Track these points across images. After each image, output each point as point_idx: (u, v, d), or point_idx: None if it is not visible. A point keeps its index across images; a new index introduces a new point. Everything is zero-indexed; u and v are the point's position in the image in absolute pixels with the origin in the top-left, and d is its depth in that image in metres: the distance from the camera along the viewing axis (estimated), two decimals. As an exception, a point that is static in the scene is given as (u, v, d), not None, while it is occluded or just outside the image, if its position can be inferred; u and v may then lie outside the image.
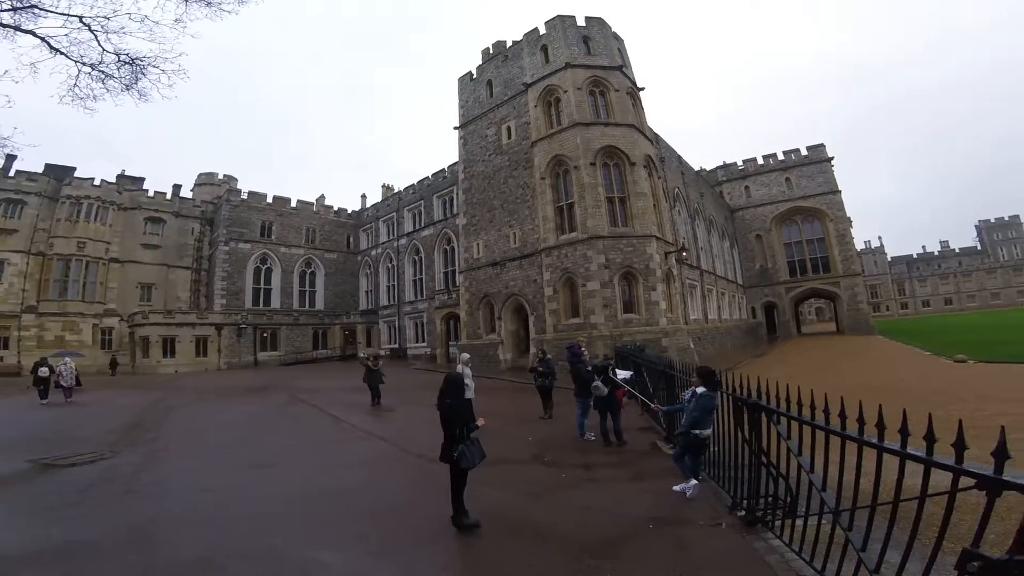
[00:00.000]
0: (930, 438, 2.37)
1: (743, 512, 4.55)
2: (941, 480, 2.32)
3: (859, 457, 2.98)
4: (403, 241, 40.24)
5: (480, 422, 5.03)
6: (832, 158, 42.87)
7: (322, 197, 46.99)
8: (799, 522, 3.90)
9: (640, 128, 22.65)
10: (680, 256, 23.51)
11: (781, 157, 44.58)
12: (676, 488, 5.43)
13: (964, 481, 2.15)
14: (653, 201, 22.03)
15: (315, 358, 38.85)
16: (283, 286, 41.52)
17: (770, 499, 4.36)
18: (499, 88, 26.12)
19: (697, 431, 5.25)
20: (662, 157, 27.31)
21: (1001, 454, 2.01)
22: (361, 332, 42.06)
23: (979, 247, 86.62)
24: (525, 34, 24.80)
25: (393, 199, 42.63)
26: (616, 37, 24.08)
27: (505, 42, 26.71)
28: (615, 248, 20.27)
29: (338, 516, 5.36)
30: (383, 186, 46.45)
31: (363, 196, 48.09)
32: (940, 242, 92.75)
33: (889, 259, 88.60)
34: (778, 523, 4.19)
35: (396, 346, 39.54)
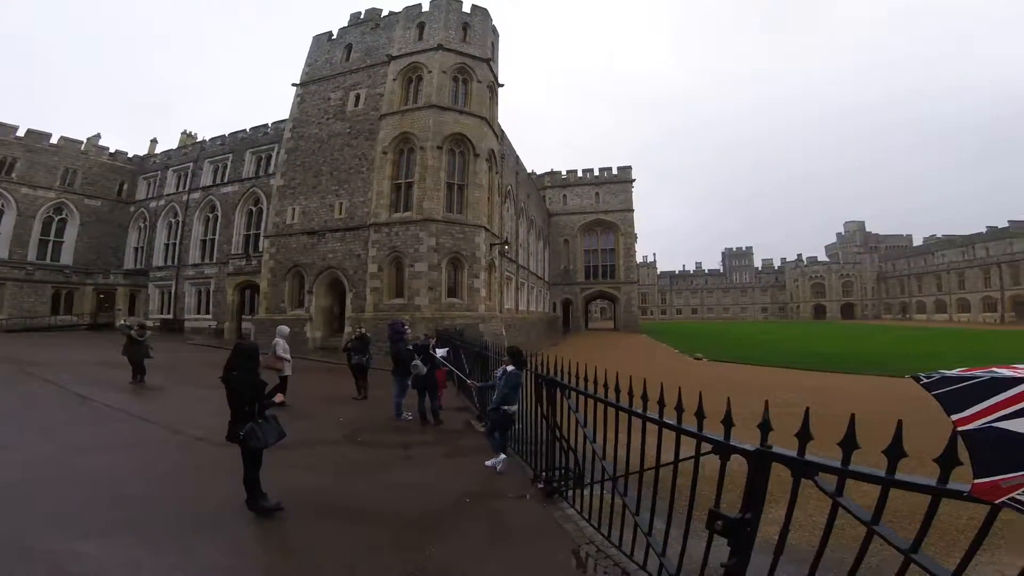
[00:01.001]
0: (679, 409, 2.98)
1: (542, 484, 5.09)
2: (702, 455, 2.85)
3: (629, 427, 3.53)
4: (196, 195, 33.82)
5: (279, 399, 4.63)
6: (634, 180, 50.46)
7: (97, 136, 37.24)
8: (588, 491, 4.42)
9: (491, 122, 23.36)
10: (503, 249, 25.08)
11: (596, 173, 50.67)
12: (488, 463, 5.86)
13: (705, 447, 2.78)
14: (488, 194, 22.90)
15: (53, 325, 30.40)
16: (17, 233, 31.77)
17: (563, 471, 4.94)
18: (359, 54, 24.54)
19: (506, 407, 5.74)
20: (503, 154, 28.43)
21: (728, 423, 2.60)
22: (122, 297, 34.04)
23: (721, 270, 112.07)
24: (407, 7, 23.66)
25: (193, 148, 35.73)
26: (494, 31, 24.48)
27: (381, 11, 25.09)
28: (447, 233, 20.58)
29: (97, 502, 4.49)
30: (183, 133, 38.88)
31: (153, 141, 39.73)
32: (696, 263, 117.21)
33: (658, 273, 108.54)
34: (571, 493, 4.73)
35: (170, 316, 32.87)
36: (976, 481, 1.07)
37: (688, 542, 2.96)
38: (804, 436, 2.19)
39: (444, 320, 19.16)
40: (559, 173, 51.65)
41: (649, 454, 3.43)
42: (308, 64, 26.10)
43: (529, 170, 43.31)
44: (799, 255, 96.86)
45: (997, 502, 1.08)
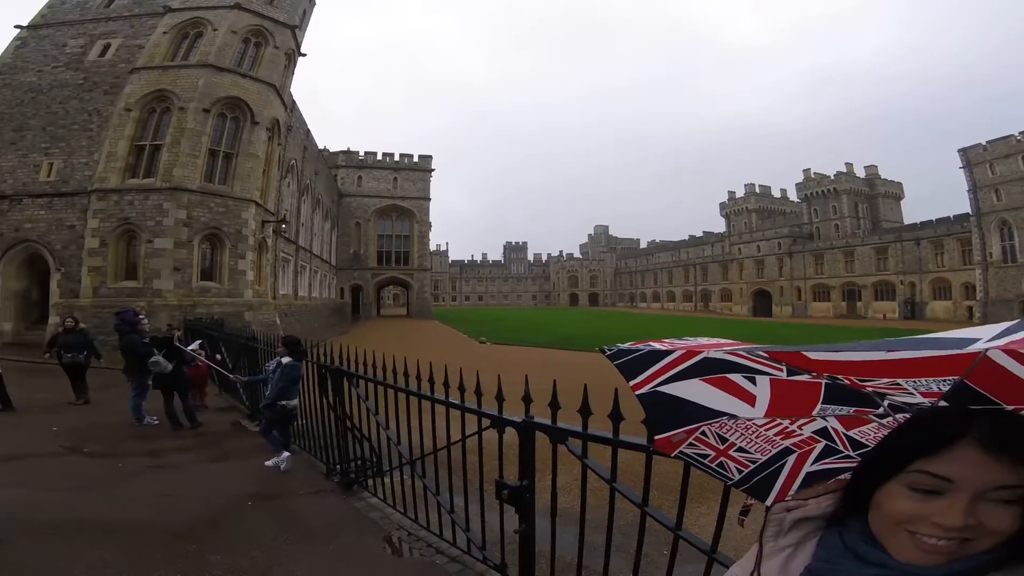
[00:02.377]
0: (462, 389, 3.20)
1: (338, 477, 4.93)
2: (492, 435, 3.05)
3: (420, 410, 3.67)
4: None
5: None
6: (434, 170, 50.90)
7: None
8: (389, 478, 4.43)
9: (281, 91, 21.05)
10: (279, 227, 22.72)
11: (397, 158, 49.57)
12: (268, 463, 5.38)
13: (484, 422, 3.11)
14: (265, 166, 20.50)
15: None
16: None
17: (360, 461, 4.85)
18: (127, 1, 19.95)
19: (284, 402, 5.35)
20: (291, 126, 25.73)
21: (500, 398, 2.97)
22: None
23: (503, 261, 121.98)
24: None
25: None
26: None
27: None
28: (204, 205, 17.70)
29: None
30: None
31: None
32: (482, 253, 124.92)
33: (450, 261, 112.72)
34: (371, 482, 4.68)
35: None
36: (656, 437, 1.24)
37: (487, 514, 3.24)
38: (555, 406, 2.60)
39: (197, 308, 16.53)
40: (356, 153, 48.85)
41: (442, 434, 3.63)
42: (48, 6, 20.54)
43: (321, 146, 39.76)
44: (560, 251, 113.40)
45: (673, 455, 1.22)
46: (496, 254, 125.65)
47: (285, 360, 5.38)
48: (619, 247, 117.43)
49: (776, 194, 77.02)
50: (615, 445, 2.35)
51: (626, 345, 1.09)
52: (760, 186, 76.04)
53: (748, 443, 1.12)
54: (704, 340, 1.06)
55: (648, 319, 48.05)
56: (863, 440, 0.96)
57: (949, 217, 48.53)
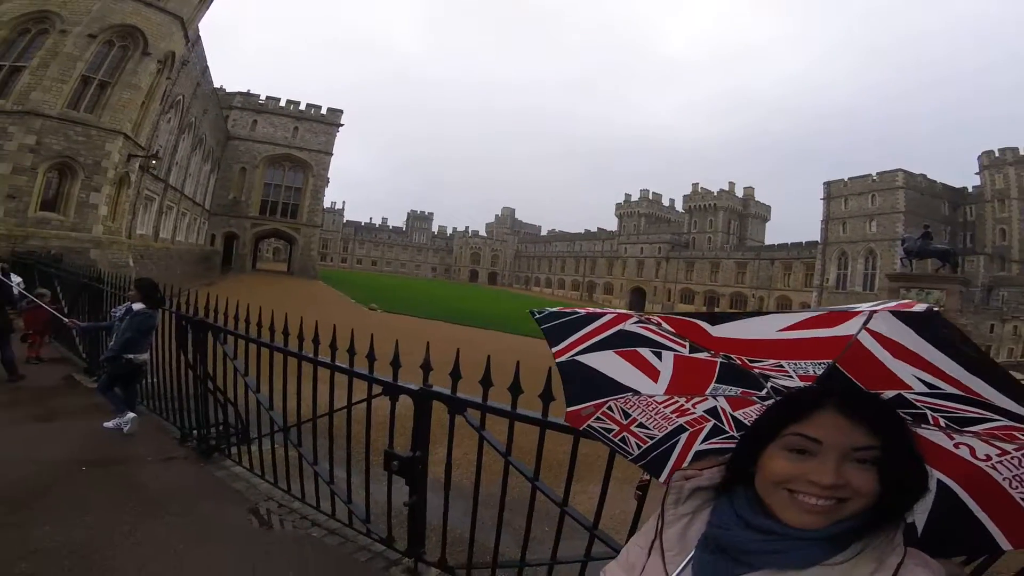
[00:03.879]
0: (352, 352, 2.94)
1: (195, 443, 4.37)
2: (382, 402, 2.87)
3: (300, 373, 3.32)
4: None
5: None
6: (343, 125, 47.35)
7: None
8: (258, 446, 4.03)
9: (188, 24, 18.74)
10: (148, 164, 20.28)
11: (303, 107, 45.66)
12: (108, 424, 4.59)
13: (376, 388, 2.91)
14: (145, 99, 18.23)
15: None
16: None
17: (222, 427, 4.32)
18: None
19: (131, 355, 4.62)
20: (187, 60, 22.80)
21: (396, 364, 2.79)
22: None
23: (404, 228, 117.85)
24: None
25: None
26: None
27: None
28: (61, 133, 15.71)
29: None
30: None
31: None
32: (383, 218, 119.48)
33: (344, 221, 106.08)
34: (235, 450, 4.19)
35: None
36: (567, 409, 1.23)
37: (373, 486, 3.06)
38: (455, 375, 2.55)
39: (30, 239, 14.28)
40: (255, 96, 44.09)
41: (322, 401, 3.34)
42: None
43: (218, 84, 35.13)
44: (467, 227, 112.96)
45: (581, 428, 1.25)
46: (397, 221, 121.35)
47: (137, 307, 4.60)
48: (522, 231, 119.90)
49: (666, 202, 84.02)
50: (512, 418, 2.36)
51: (556, 309, 1.09)
52: (653, 193, 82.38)
53: (648, 419, 1.16)
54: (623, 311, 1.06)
55: (540, 301, 49.92)
56: (746, 422, 1.02)
57: (801, 243, 56.17)
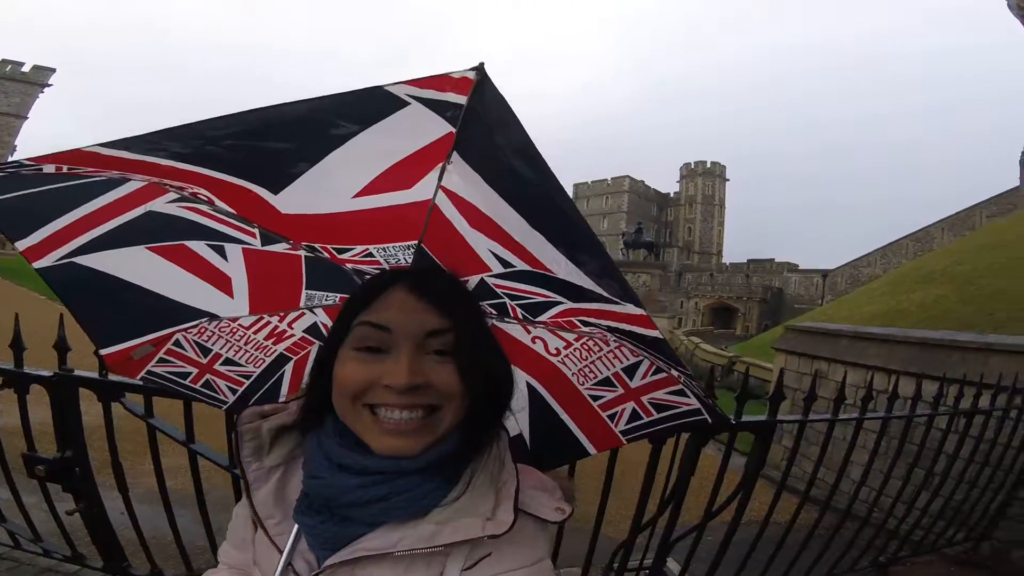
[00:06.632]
0: None
1: None
2: None
3: None
4: None
5: None
6: (51, 85, 36.99)
7: None
8: None
9: None
10: None
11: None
12: None
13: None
14: None
15: None
16: None
17: None
18: None
19: None
20: None
21: (18, 346, 2.22)
22: None
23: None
24: None
25: None
26: None
27: None
28: None
29: None
30: None
31: None
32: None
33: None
34: None
35: None
36: (103, 352, 0.87)
37: (32, 499, 2.52)
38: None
39: None
40: None
41: None
42: None
43: None
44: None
45: (138, 377, 0.95)
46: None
47: None
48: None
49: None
50: (188, 399, 2.12)
51: (16, 158, 0.61)
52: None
53: (237, 352, 0.92)
54: (152, 159, 0.60)
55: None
56: None
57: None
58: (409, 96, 0.58)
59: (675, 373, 0.93)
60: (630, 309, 0.79)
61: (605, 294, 0.76)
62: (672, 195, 63.16)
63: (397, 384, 0.58)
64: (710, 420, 1.05)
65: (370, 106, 0.59)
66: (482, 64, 0.57)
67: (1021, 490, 3.17)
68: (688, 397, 0.99)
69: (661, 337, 0.83)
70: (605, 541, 2.21)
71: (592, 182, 61.03)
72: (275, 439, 0.69)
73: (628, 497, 2.12)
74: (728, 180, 61.10)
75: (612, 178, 59.43)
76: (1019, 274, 11.99)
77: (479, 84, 0.56)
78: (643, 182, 60.54)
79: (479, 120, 0.60)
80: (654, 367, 0.95)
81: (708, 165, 59.46)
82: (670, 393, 0.98)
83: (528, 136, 0.61)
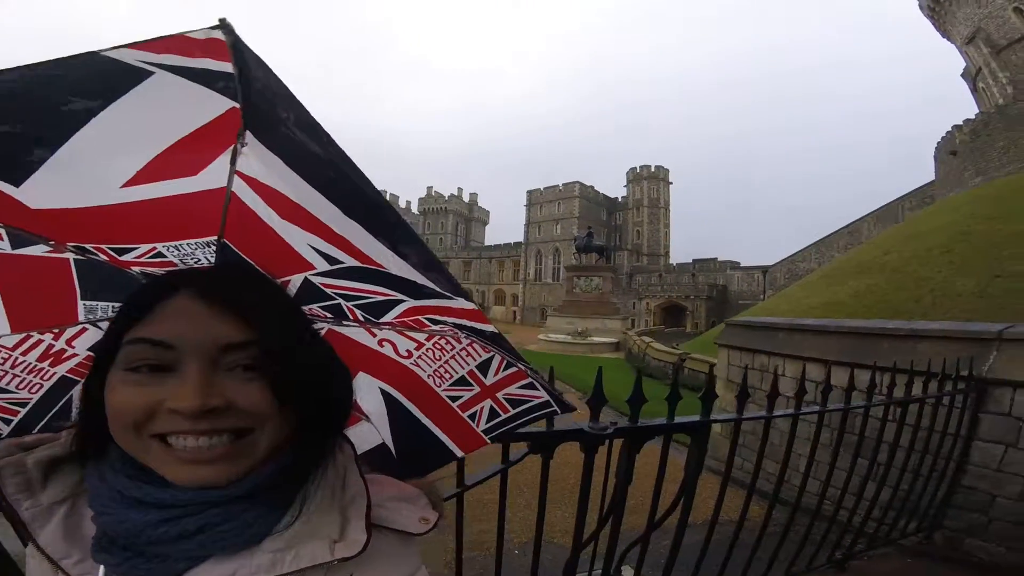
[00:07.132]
0: None
1: None
2: None
3: None
4: None
5: None
6: None
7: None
8: None
9: None
10: None
11: None
12: None
13: None
14: None
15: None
16: None
17: None
18: None
19: None
20: None
21: None
22: None
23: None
24: None
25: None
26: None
27: None
28: None
29: None
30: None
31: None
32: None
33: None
34: None
35: None
36: None
37: None
38: None
39: None
40: None
41: None
42: None
43: None
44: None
45: None
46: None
47: None
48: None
49: (402, 204, 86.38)
50: None
51: None
52: (391, 194, 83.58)
53: (2, 377, 0.77)
54: None
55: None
56: None
57: (511, 243, 65.78)
58: (145, 63, 0.46)
59: (521, 367, 0.95)
60: (462, 304, 0.78)
61: (437, 289, 0.73)
62: (620, 199, 64.94)
63: (184, 408, 0.47)
64: (559, 411, 1.09)
65: (101, 76, 0.46)
66: (225, 19, 0.45)
67: (964, 477, 3.27)
68: (538, 390, 1.01)
69: (497, 332, 0.84)
70: (561, 552, 2.14)
71: (544, 188, 61.86)
72: (50, 472, 0.55)
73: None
74: (672, 183, 63.36)
75: (563, 184, 60.49)
76: (939, 261, 12.99)
77: (235, 47, 0.46)
78: (592, 187, 61.88)
79: (257, 91, 0.49)
80: (505, 362, 0.95)
81: (652, 169, 61.48)
82: (522, 387, 1.00)
83: (304, 105, 0.51)
